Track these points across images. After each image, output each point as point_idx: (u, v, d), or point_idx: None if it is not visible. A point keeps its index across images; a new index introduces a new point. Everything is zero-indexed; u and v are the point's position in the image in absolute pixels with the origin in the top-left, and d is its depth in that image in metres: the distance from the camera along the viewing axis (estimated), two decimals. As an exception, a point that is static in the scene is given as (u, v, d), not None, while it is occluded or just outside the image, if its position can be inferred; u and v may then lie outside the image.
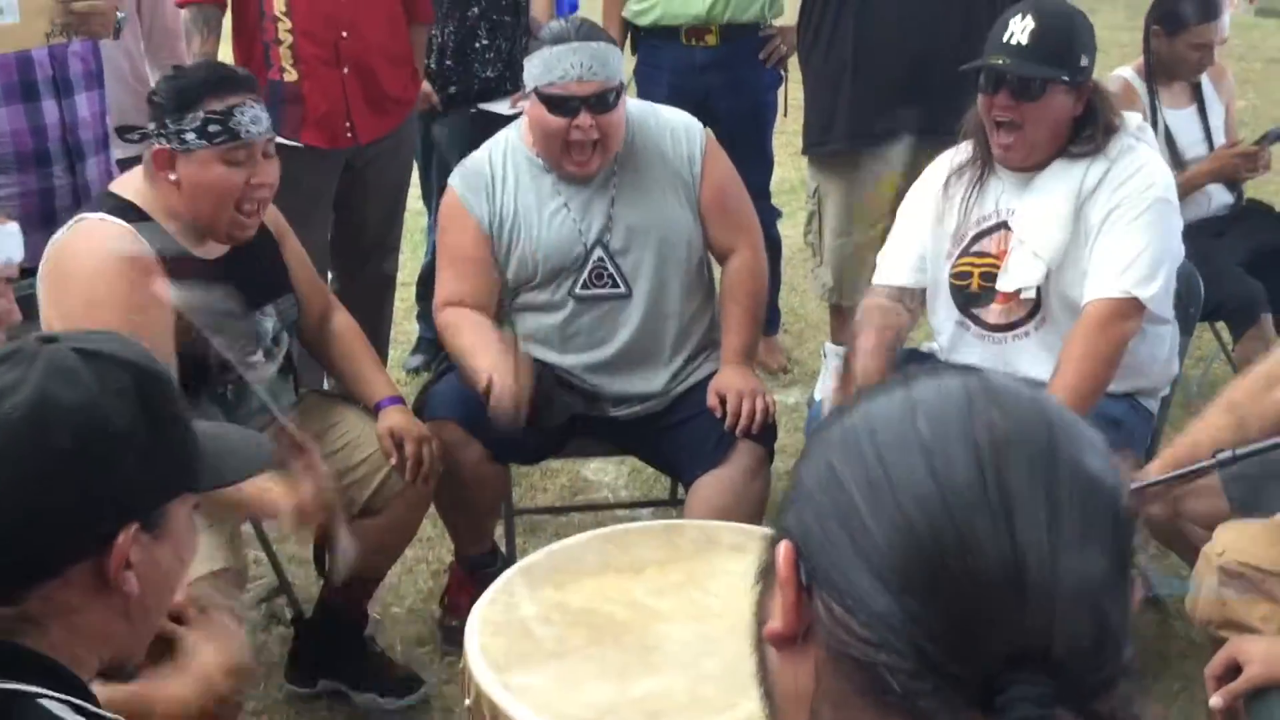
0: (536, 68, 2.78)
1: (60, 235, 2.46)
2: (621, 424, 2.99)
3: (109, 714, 1.25)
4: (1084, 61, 2.69)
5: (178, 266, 2.46)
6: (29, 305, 2.39)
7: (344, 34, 3.45)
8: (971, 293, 2.82)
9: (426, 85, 3.95)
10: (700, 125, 3.00)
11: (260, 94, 2.52)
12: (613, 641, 2.11)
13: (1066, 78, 2.66)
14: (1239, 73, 6.57)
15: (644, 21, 4.03)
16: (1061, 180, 2.73)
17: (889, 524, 0.79)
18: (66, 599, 1.25)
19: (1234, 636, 2.08)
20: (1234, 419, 2.37)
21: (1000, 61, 2.67)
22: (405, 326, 4.54)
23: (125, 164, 2.91)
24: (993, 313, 2.81)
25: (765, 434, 2.84)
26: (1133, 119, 2.85)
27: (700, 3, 3.95)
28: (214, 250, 2.55)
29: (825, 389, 4.03)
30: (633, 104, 2.98)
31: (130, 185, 2.52)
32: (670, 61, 4.02)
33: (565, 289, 2.90)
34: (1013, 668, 0.75)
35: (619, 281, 2.90)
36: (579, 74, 2.74)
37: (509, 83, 3.95)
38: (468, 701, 2.05)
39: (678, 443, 2.90)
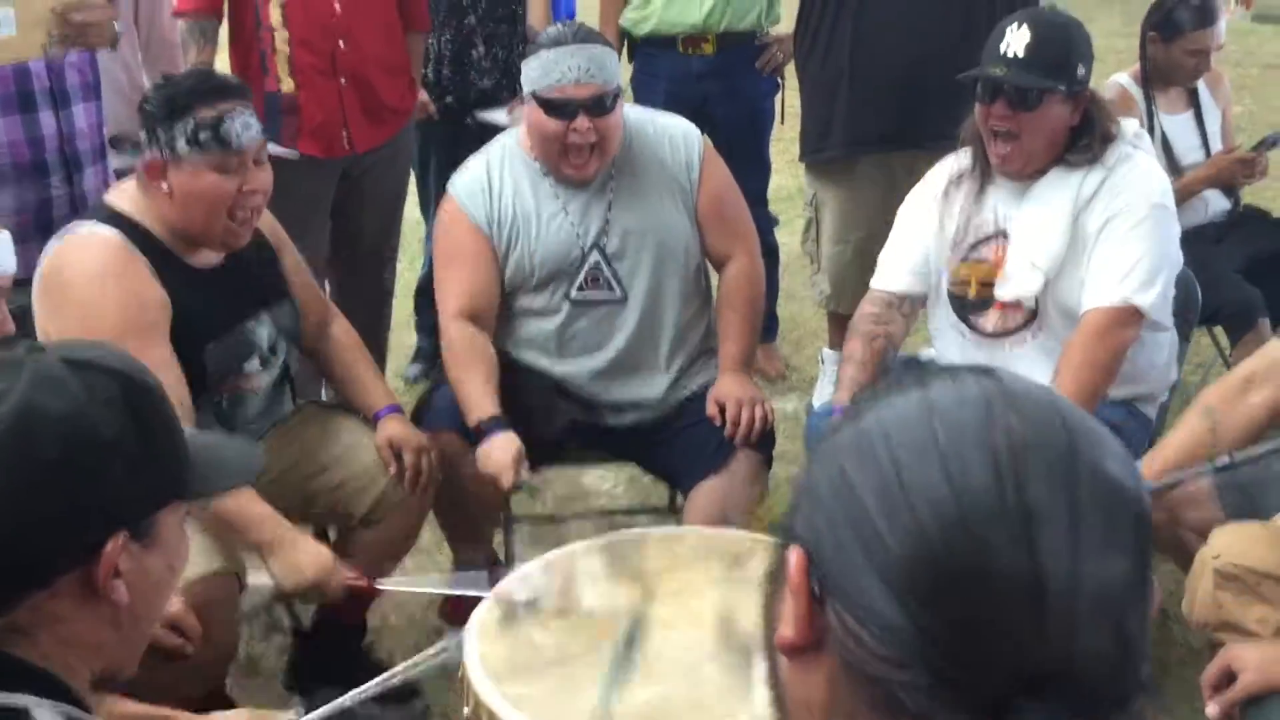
0: (534, 71, 2.78)
1: (53, 246, 2.46)
2: (620, 432, 2.99)
3: None
4: (1081, 71, 2.69)
5: (172, 275, 2.46)
6: (23, 317, 2.39)
7: (340, 43, 3.46)
8: (969, 300, 2.83)
9: (424, 94, 3.95)
10: (698, 132, 3.01)
11: (250, 101, 2.51)
12: (611, 649, 2.11)
13: (1063, 88, 2.66)
14: (1236, 79, 6.57)
15: (641, 30, 4.04)
16: (1059, 189, 2.74)
17: (902, 532, 0.76)
18: (56, 609, 1.25)
19: (1229, 644, 2.09)
20: (1208, 423, 2.38)
21: (997, 71, 2.67)
22: (403, 336, 4.53)
23: (123, 174, 2.92)
24: (990, 320, 2.82)
25: (763, 441, 2.84)
26: (1129, 126, 2.86)
27: (697, 11, 3.96)
28: (209, 259, 2.55)
29: (823, 396, 4.04)
30: (631, 110, 2.99)
31: (124, 195, 2.52)
32: (667, 70, 4.03)
33: (561, 293, 2.90)
34: (1029, 688, 0.73)
35: (615, 285, 2.91)
36: (576, 77, 2.74)
37: (506, 91, 3.96)
38: (466, 710, 2.05)
39: (676, 450, 2.91)
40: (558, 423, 2.91)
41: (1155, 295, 2.67)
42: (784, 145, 4.37)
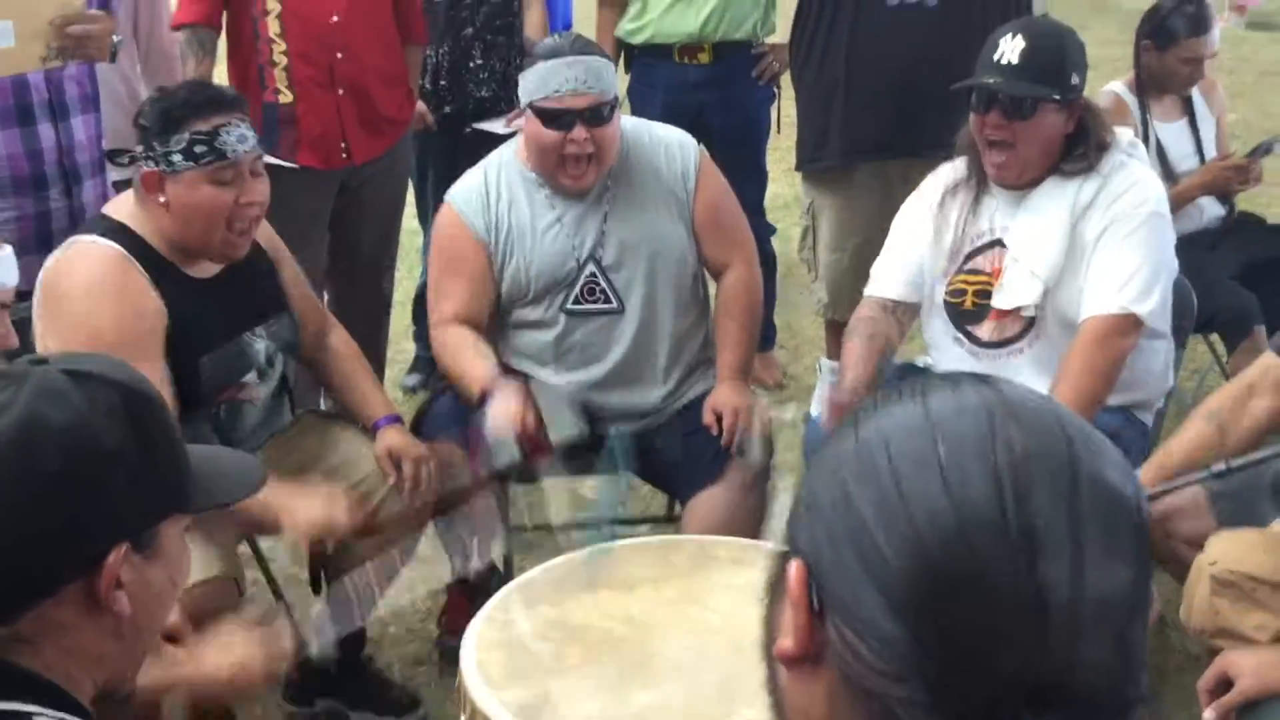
0: (531, 82, 2.79)
1: (53, 258, 2.47)
2: (618, 441, 2.99)
3: None
4: (1075, 80, 2.70)
5: (171, 287, 2.47)
6: (25, 329, 2.40)
7: (339, 55, 3.47)
8: (966, 310, 2.83)
9: (421, 105, 3.96)
10: (694, 142, 3.02)
11: (246, 112, 2.52)
12: (610, 657, 2.12)
13: (1057, 96, 2.67)
14: (1230, 86, 6.58)
15: (637, 40, 4.05)
16: (1055, 198, 2.74)
17: (901, 544, 0.76)
18: (59, 619, 1.26)
19: (1225, 650, 2.09)
20: (1214, 427, 2.40)
21: (991, 81, 2.68)
22: (402, 345, 4.54)
23: (122, 186, 2.93)
24: (987, 329, 2.82)
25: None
26: (1124, 134, 2.87)
27: (693, 21, 3.97)
28: (207, 270, 2.56)
29: (821, 403, 4.05)
30: (627, 121, 3.00)
31: (122, 207, 2.52)
32: (664, 79, 4.04)
33: (557, 304, 2.91)
34: (1030, 700, 0.73)
35: (611, 297, 2.91)
36: (574, 87, 2.75)
37: (504, 102, 3.96)
38: (463, 718, 2.06)
39: (674, 460, 2.91)
40: (597, 426, 2.90)
41: (1154, 303, 2.68)
42: (781, 154, 4.39)
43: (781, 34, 4.06)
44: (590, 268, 2.90)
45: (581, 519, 2.75)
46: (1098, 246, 2.70)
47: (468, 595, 2.99)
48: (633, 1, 4.03)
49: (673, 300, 2.95)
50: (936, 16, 3.59)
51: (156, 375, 2.33)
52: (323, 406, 3.33)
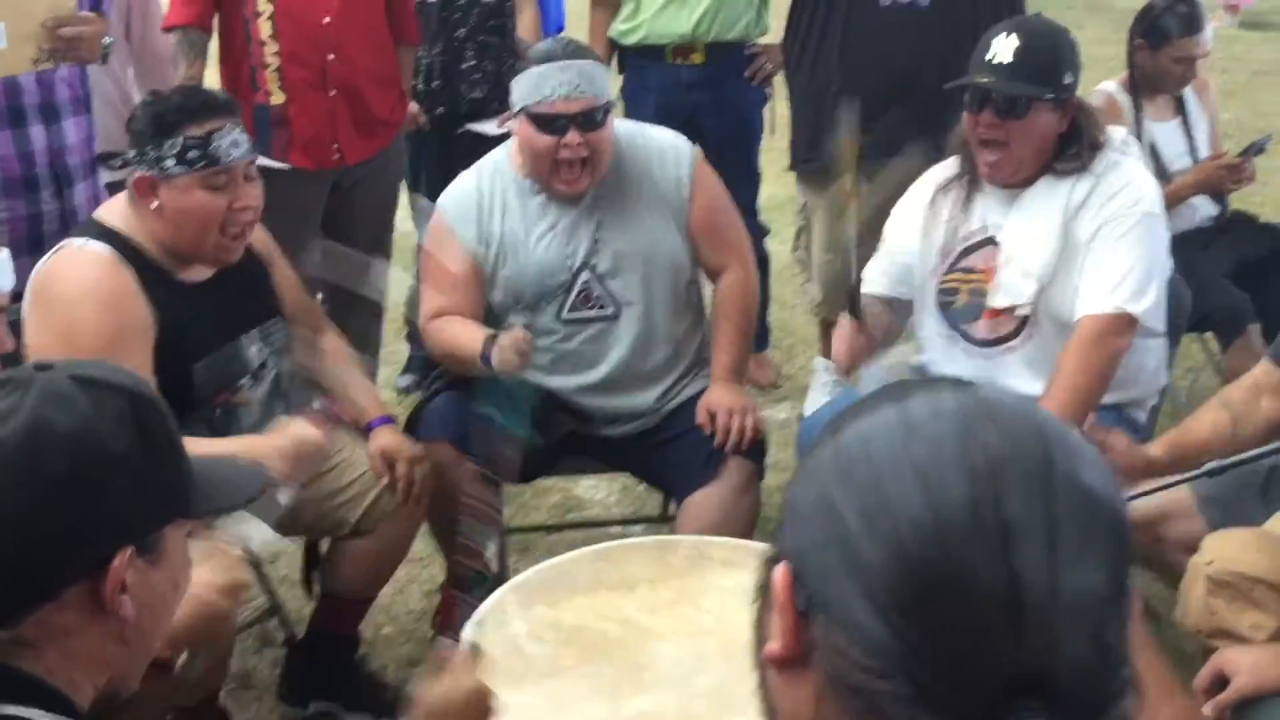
0: (524, 87, 2.79)
1: (44, 262, 2.46)
2: (613, 442, 2.99)
3: None
4: (1068, 79, 2.70)
5: (163, 292, 2.46)
6: (19, 331, 2.40)
7: (331, 56, 3.47)
8: (959, 308, 2.84)
9: (414, 106, 3.96)
10: (689, 145, 3.00)
11: (239, 117, 2.51)
12: (604, 659, 2.12)
13: (1051, 95, 2.67)
14: (1223, 85, 6.61)
15: (630, 41, 4.05)
16: (1048, 197, 2.75)
17: (883, 550, 0.77)
18: (62, 622, 1.26)
19: (1222, 647, 2.09)
20: (1229, 417, 2.42)
21: (984, 80, 2.68)
22: (395, 346, 4.54)
23: (114, 188, 2.92)
24: (980, 328, 2.82)
25: (755, 450, 2.85)
26: (1117, 133, 2.87)
27: (686, 22, 3.97)
28: (199, 274, 2.55)
29: (815, 404, 4.05)
30: (620, 124, 2.99)
31: (115, 211, 2.52)
32: (657, 80, 4.04)
33: (553, 312, 2.90)
34: (1012, 695, 0.74)
35: (607, 303, 2.91)
36: (567, 92, 2.75)
37: (496, 103, 3.97)
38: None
39: (669, 460, 2.91)
40: (552, 434, 2.91)
41: (1149, 302, 2.68)
42: (775, 155, 4.38)
43: (775, 34, 4.06)
44: (585, 275, 2.89)
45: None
46: (1092, 246, 2.70)
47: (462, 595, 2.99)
48: (625, 2, 4.03)
49: (668, 305, 2.95)
50: (929, 16, 3.60)
51: None
52: (316, 408, 3.32)
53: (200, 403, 2.52)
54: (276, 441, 2.42)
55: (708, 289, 3.10)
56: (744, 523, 2.77)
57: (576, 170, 2.81)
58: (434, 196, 3.10)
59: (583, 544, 2.55)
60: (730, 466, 2.79)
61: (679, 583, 2.34)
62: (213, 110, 2.45)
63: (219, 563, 2.21)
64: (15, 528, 1.23)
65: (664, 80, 4.02)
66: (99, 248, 2.43)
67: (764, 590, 0.86)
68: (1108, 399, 2.76)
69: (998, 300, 2.79)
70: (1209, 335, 3.97)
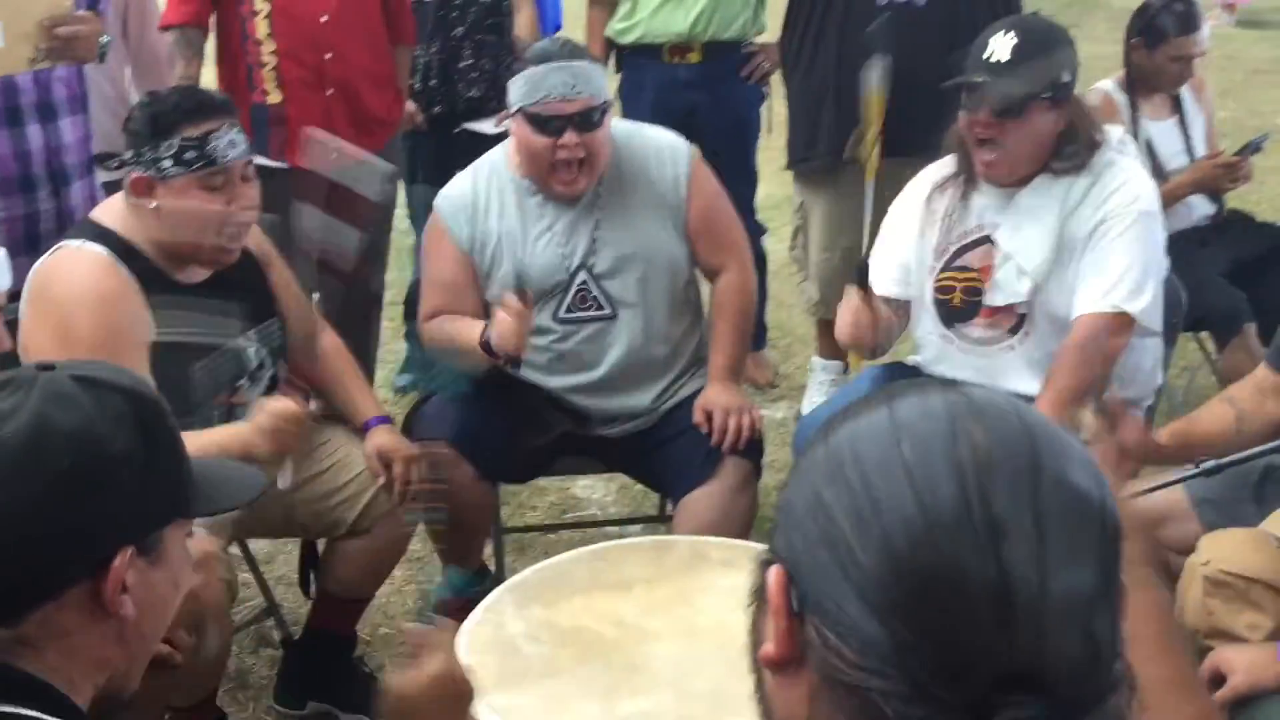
0: (521, 88, 2.79)
1: (41, 263, 2.46)
2: (610, 442, 2.99)
3: None
4: (1065, 78, 2.70)
5: (160, 293, 2.46)
6: (14, 330, 2.39)
7: (327, 56, 3.47)
8: (955, 307, 2.83)
9: (411, 105, 3.96)
10: (687, 145, 3.00)
11: (236, 117, 2.51)
12: (601, 660, 2.11)
13: (1048, 94, 2.67)
14: (1220, 83, 6.61)
15: (627, 40, 4.05)
16: (1045, 196, 2.74)
17: (875, 550, 0.79)
18: (63, 622, 1.27)
19: (1219, 646, 2.10)
20: (1235, 413, 2.43)
21: (981, 79, 2.68)
22: (393, 346, 4.54)
23: (110, 187, 2.92)
24: (977, 327, 2.82)
25: (752, 449, 2.85)
26: (1114, 132, 2.87)
27: (683, 21, 3.97)
28: (196, 275, 2.55)
29: (812, 403, 4.05)
30: (618, 124, 2.99)
31: (111, 212, 2.51)
32: (654, 79, 4.04)
33: (550, 312, 2.90)
34: (1003, 690, 0.75)
35: (604, 304, 2.91)
36: (563, 93, 2.74)
37: (494, 102, 3.96)
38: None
39: (666, 460, 2.91)
40: (549, 434, 2.91)
41: (1145, 301, 2.68)
42: (773, 154, 4.39)
43: (772, 33, 4.06)
44: (582, 276, 2.89)
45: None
46: (1089, 245, 2.70)
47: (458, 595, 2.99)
48: (623, 1, 4.03)
49: (666, 306, 2.95)
50: (926, 15, 3.60)
51: None
52: (312, 408, 3.32)
53: (199, 404, 2.52)
54: (257, 422, 2.41)
55: (705, 288, 3.10)
56: (741, 522, 2.77)
57: (574, 171, 2.80)
58: (431, 196, 3.10)
59: (580, 544, 2.55)
60: (727, 466, 2.79)
61: (676, 583, 2.34)
62: (210, 110, 2.44)
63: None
64: (17, 527, 1.24)
65: (661, 79, 4.02)
66: (96, 249, 2.43)
67: (759, 593, 0.87)
68: (1105, 398, 2.76)
69: (994, 299, 2.79)
70: (1205, 334, 3.97)
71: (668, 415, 2.96)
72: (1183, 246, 3.46)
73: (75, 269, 2.41)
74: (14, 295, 2.43)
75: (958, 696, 0.76)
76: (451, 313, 2.89)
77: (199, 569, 2.18)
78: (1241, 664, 2.03)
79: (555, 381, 2.94)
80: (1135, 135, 3.76)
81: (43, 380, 1.29)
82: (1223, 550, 2.22)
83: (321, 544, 2.88)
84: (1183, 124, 3.97)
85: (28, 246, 2.77)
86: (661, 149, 2.96)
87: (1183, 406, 3.44)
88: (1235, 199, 4.21)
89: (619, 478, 3.67)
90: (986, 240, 2.80)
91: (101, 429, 1.28)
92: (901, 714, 0.77)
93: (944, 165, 2.89)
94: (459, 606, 2.74)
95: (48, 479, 1.25)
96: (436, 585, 2.52)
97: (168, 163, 2.40)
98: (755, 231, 4.17)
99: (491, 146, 3.06)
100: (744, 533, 2.75)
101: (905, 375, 2.92)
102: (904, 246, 2.90)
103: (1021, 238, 2.75)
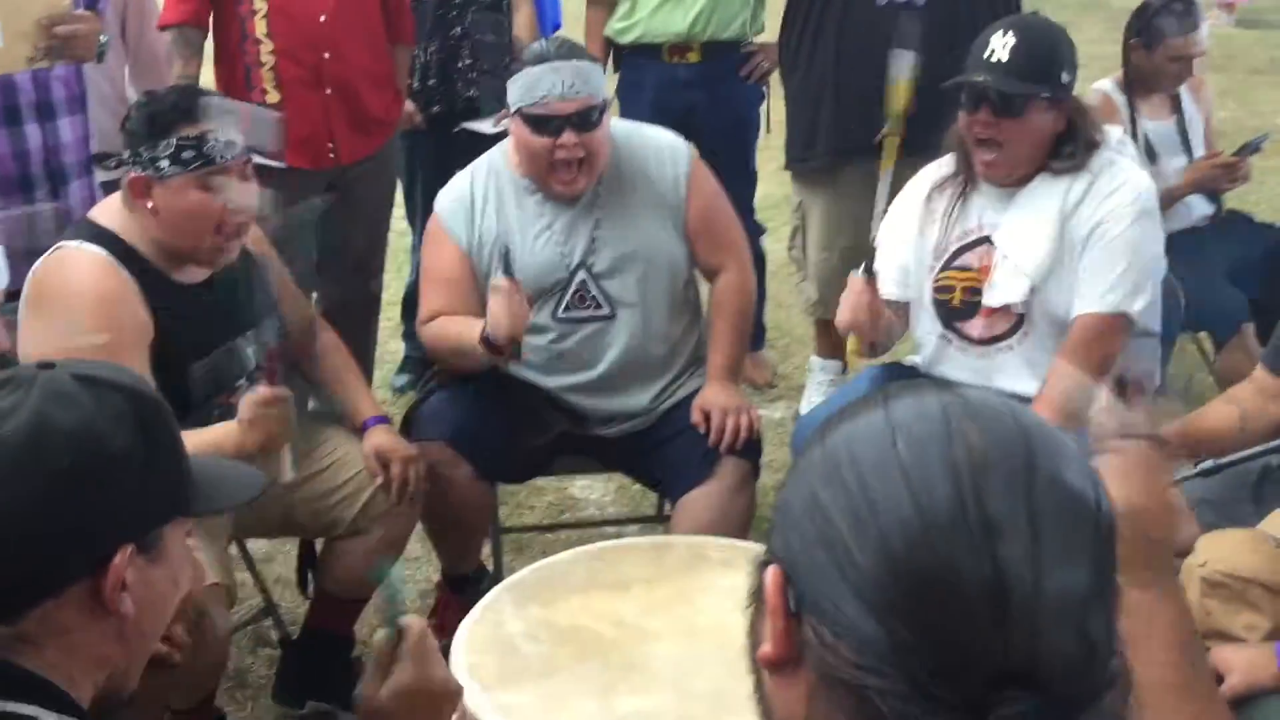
0: (518, 89, 2.78)
1: (40, 264, 2.45)
2: (608, 441, 2.99)
3: None
4: (1065, 78, 2.70)
5: (158, 294, 2.45)
6: (14, 330, 2.39)
7: (326, 55, 3.46)
8: (954, 307, 2.83)
9: (410, 105, 3.96)
10: (686, 145, 3.00)
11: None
12: (599, 659, 2.12)
13: (1048, 94, 2.67)
14: (1219, 84, 6.61)
15: (626, 39, 4.04)
16: (1044, 196, 2.75)
17: (872, 551, 0.79)
18: (63, 620, 1.27)
19: (1216, 647, 2.10)
20: (1238, 414, 2.42)
21: (981, 78, 2.68)
22: (391, 346, 4.54)
23: (109, 187, 2.92)
24: (976, 327, 2.82)
25: (750, 449, 2.85)
26: (1113, 133, 2.87)
27: (682, 20, 3.97)
28: (194, 276, 2.54)
29: (811, 403, 4.05)
30: (617, 124, 2.99)
31: (109, 212, 2.51)
32: (653, 79, 4.03)
33: (549, 311, 2.90)
34: (999, 688, 0.76)
35: (603, 304, 2.91)
36: (561, 92, 2.74)
37: (492, 102, 3.96)
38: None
39: (664, 459, 2.91)
40: (547, 433, 2.91)
41: (1144, 302, 2.69)
42: (771, 153, 4.39)
43: (771, 33, 4.06)
44: (581, 275, 2.89)
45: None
46: (1087, 245, 2.70)
47: (458, 595, 2.99)
48: (622, 1, 4.03)
49: (665, 306, 2.95)
50: (925, 15, 3.59)
51: None
52: (311, 407, 3.32)
53: (198, 404, 2.52)
54: (239, 417, 2.40)
55: (704, 288, 3.10)
56: (739, 522, 2.77)
57: (573, 171, 2.80)
58: (431, 196, 3.10)
59: (578, 544, 2.55)
60: (725, 466, 2.79)
61: (675, 583, 2.34)
62: (208, 110, 2.44)
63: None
64: (17, 525, 1.24)
65: (660, 79, 4.02)
66: (95, 249, 2.42)
67: (757, 595, 0.88)
68: (1103, 398, 2.76)
69: (993, 299, 2.79)
70: (1203, 334, 3.97)
71: (666, 415, 2.96)
72: (1181, 247, 3.46)
73: (75, 271, 2.41)
74: (12, 294, 2.43)
75: (954, 694, 0.76)
76: (451, 314, 2.88)
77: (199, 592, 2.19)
78: (1239, 664, 2.03)
79: (553, 381, 2.94)
80: (1134, 135, 3.76)
81: (43, 379, 1.30)
82: (1220, 551, 2.22)
83: (320, 544, 2.88)
84: (1181, 124, 3.97)
85: (27, 246, 2.77)
86: (661, 148, 2.96)
87: (1181, 407, 3.44)
88: (1234, 199, 4.21)
89: (617, 477, 3.67)
90: (986, 240, 2.80)
91: (101, 427, 1.28)
92: (898, 712, 0.77)
93: (943, 165, 2.89)
94: (459, 605, 2.75)
95: (48, 477, 1.25)
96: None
97: (165, 162, 2.40)
98: (754, 231, 4.17)
99: (490, 147, 3.06)
100: (742, 533, 2.75)
101: (904, 375, 2.92)
102: (903, 248, 2.90)
103: (1020, 238, 2.75)
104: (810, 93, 3.78)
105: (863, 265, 2.71)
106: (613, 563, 2.40)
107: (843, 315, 2.74)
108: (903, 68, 3.49)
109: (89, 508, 1.27)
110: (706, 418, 2.83)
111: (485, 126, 3.97)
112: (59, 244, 2.47)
